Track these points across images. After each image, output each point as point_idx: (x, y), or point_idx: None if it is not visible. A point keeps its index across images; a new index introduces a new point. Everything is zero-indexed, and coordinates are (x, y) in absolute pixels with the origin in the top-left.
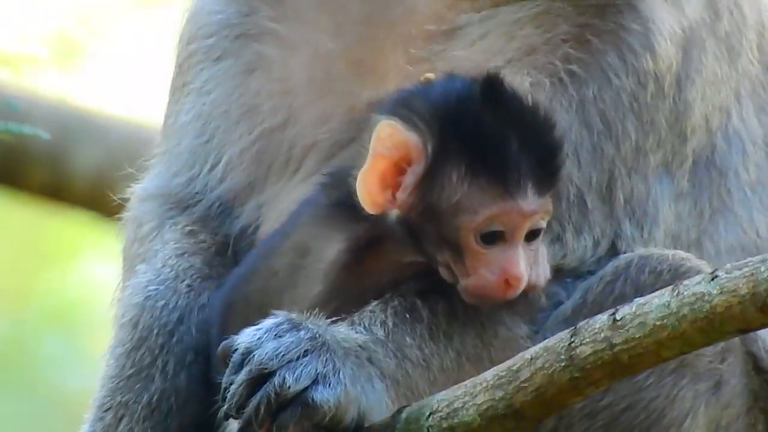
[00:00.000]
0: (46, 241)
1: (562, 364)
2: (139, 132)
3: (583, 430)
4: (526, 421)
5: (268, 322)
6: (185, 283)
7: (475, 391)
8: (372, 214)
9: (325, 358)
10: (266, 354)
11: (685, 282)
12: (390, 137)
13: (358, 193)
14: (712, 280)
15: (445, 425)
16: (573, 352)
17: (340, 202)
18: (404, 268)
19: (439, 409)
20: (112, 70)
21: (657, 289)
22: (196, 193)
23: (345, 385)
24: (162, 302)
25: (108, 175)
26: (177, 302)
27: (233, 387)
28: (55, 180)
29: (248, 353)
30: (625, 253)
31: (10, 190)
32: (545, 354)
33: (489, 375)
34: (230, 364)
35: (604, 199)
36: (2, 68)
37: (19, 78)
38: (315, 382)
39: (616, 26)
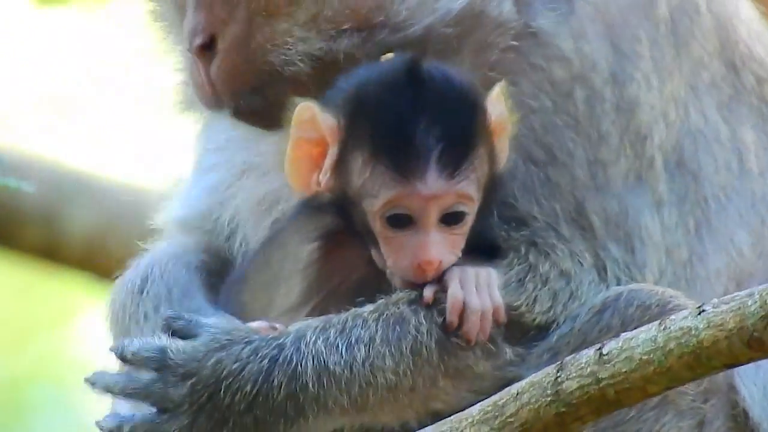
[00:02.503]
0: (39, 302)
1: (549, 399)
2: (133, 193)
3: None
4: None
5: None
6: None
7: (460, 426)
8: (331, 206)
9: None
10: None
11: (672, 317)
12: (307, 119)
13: (287, 178)
14: (699, 314)
15: None
16: (559, 387)
17: (306, 199)
18: (371, 259)
19: None
20: (105, 130)
21: (644, 323)
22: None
23: None
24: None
25: (102, 236)
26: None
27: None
28: (49, 240)
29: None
30: (624, 282)
31: (4, 250)
32: (531, 389)
33: (475, 410)
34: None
35: (581, 227)
36: None
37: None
38: None
39: (512, 55)
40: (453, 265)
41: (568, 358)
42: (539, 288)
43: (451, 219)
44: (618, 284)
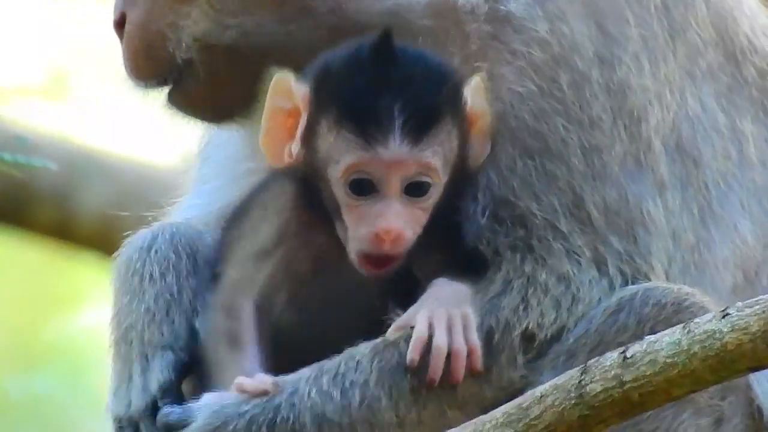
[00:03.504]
0: (52, 281)
1: (572, 401)
2: (146, 171)
3: None
4: None
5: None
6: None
7: (484, 429)
8: (300, 181)
9: None
10: None
11: (696, 320)
12: (282, 88)
13: (261, 148)
14: (723, 317)
15: None
16: (583, 390)
17: (276, 173)
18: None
19: None
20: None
21: (659, 322)
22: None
23: None
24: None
25: (115, 214)
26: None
27: None
28: (61, 219)
29: None
30: (629, 274)
31: (17, 229)
32: (555, 392)
33: (498, 413)
34: None
35: (580, 220)
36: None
37: (21, 113)
38: None
39: (492, 41)
40: (430, 297)
41: (591, 361)
42: (542, 300)
43: (414, 190)
44: (622, 277)
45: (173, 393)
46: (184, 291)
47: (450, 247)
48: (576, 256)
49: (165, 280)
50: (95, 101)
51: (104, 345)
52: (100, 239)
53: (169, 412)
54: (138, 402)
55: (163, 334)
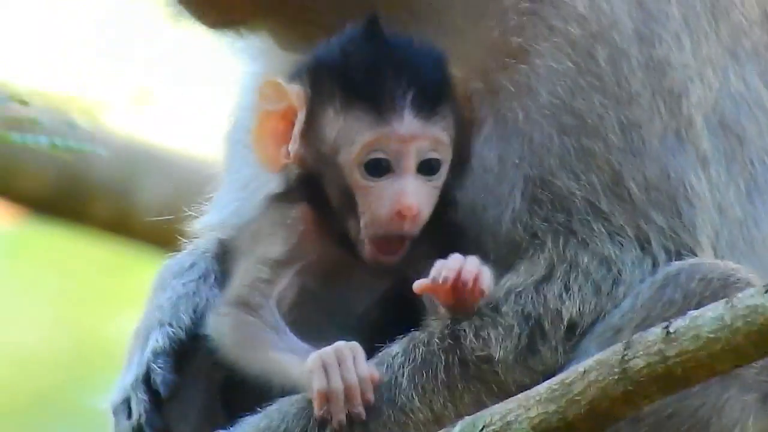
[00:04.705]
0: (110, 276)
1: (616, 377)
2: (204, 167)
3: None
4: None
5: None
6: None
7: (528, 404)
8: (301, 183)
9: None
10: None
11: (739, 295)
12: (272, 91)
13: (255, 155)
14: (766, 292)
15: None
16: (626, 365)
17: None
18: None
19: (492, 422)
20: (177, 107)
21: (705, 297)
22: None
23: None
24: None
25: (173, 210)
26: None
27: None
28: (120, 215)
29: None
30: (673, 250)
31: (75, 225)
32: (598, 367)
33: (542, 388)
34: None
35: (620, 197)
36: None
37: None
38: None
39: (530, 17)
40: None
41: (635, 336)
42: (583, 286)
43: (427, 167)
44: (666, 254)
45: (167, 360)
46: (199, 292)
47: (443, 240)
48: (618, 237)
49: (184, 286)
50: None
51: None
52: (158, 235)
53: (158, 374)
54: (130, 377)
55: (163, 315)
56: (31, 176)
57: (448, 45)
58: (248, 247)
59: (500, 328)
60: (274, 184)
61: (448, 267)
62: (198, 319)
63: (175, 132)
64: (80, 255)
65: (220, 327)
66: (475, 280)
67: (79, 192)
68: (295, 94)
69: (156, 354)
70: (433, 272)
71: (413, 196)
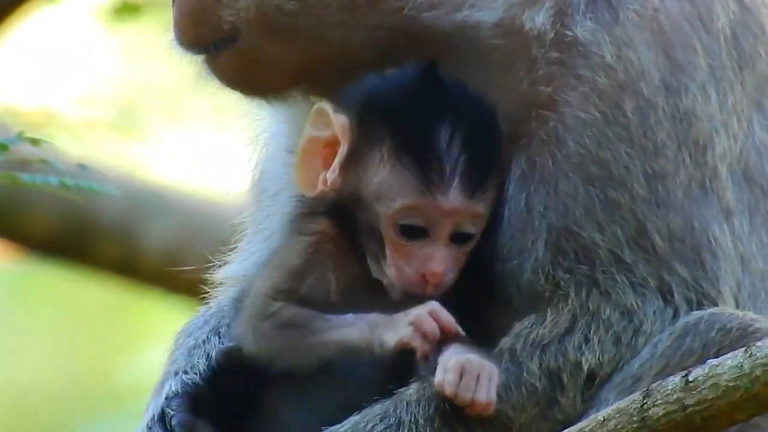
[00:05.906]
0: (116, 317)
1: (635, 425)
2: (210, 207)
3: None
4: None
5: None
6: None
7: None
8: (332, 209)
9: None
10: None
11: (758, 343)
12: (320, 117)
13: (294, 176)
14: None
15: None
16: (645, 414)
17: (304, 203)
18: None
19: None
20: (181, 143)
21: (725, 347)
22: None
23: None
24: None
25: (179, 250)
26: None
27: None
28: (126, 255)
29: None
30: (695, 301)
31: (81, 265)
32: (617, 416)
33: None
34: None
35: (644, 249)
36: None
37: (84, 146)
38: None
39: (558, 67)
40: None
41: (654, 385)
42: (603, 337)
43: (459, 238)
44: (689, 305)
45: (181, 404)
46: (209, 341)
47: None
48: (641, 288)
49: (196, 339)
50: (163, 137)
51: None
52: (164, 275)
53: (172, 415)
54: (146, 419)
55: (177, 366)
56: (37, 216)
57: None
58: (269, 260)
59: (524, 389)
60: (302, 206)
61: (449, 370)
62: (210, 365)
63: (181, 171)
64: (84, 295)
65: (260, 337)
66: (473, 400)
67: (84, 232)
68: (340, 125)
69: (170, 399)
70: (438, 375)
71: (441, 263)
